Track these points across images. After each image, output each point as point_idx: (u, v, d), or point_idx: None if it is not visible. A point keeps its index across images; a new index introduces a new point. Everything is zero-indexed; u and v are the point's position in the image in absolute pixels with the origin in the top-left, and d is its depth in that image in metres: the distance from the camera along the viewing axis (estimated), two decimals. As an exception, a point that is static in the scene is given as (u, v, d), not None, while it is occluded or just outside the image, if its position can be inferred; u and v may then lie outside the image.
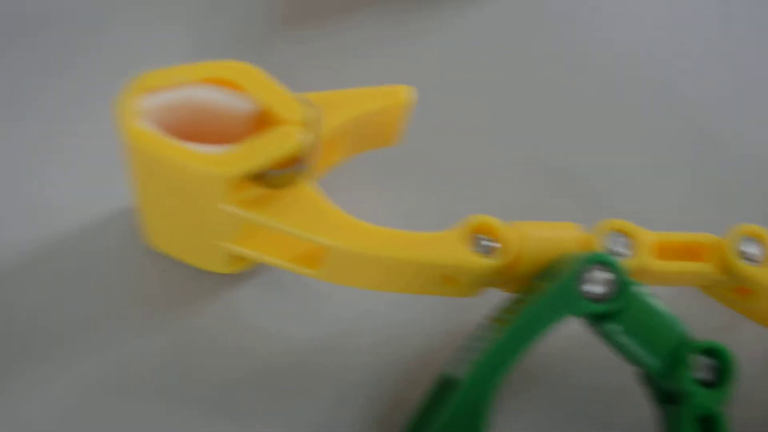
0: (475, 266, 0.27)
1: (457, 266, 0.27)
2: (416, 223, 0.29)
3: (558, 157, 0.34)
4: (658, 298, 0.27)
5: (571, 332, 0.29)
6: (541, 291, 0.26)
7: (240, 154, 0.26)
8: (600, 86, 0.37)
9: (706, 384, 0.26)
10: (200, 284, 0.31)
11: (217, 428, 0.29)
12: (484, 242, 0.28)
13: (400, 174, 0.33)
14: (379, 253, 0.27)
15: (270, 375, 0.30)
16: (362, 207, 0.31)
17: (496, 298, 0.29)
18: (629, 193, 0.34)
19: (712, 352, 0.26)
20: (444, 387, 0.27)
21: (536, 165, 0.34)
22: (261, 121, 0.26)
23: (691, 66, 0.38)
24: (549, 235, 0.28)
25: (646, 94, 0.37)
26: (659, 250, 0.28)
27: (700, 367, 0.26)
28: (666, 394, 0.27)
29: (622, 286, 0.26)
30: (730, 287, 0.29)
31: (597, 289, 0.26)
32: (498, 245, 0.28)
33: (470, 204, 0.30)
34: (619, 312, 0.26)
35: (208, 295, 0.31)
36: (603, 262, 0.26)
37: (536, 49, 0.37)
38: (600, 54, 0.37)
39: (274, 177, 0.26)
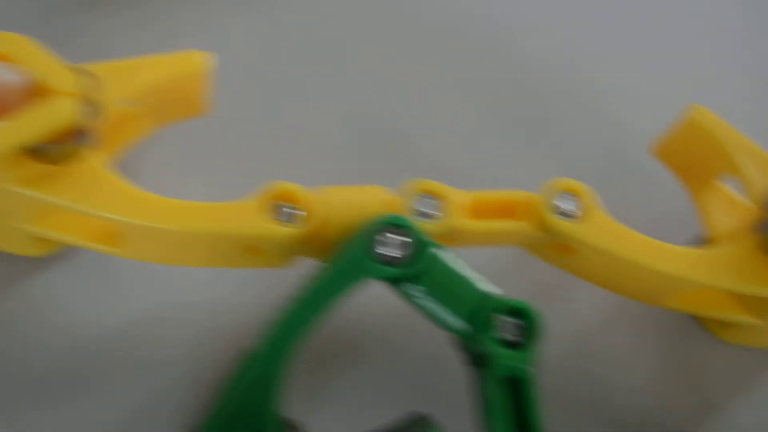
0: (276, 235, 0.26)
1: (256, 236, 0.26)
2: (231, 195, 0.28)
3: (377, 118, 0.33)
4: (460, 258, 0.26)
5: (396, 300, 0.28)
6: (335, 257, 0.25)
7: (5, 129, 0.24)
8: (416, 43, 0.36)
9: (513, 345, 0.25)
10: (6, 268, 0.29)
11: (24, 417, 0.28)
12: (286, 210, 0.26)
13: (212, 144, 0.32)
14: (171, 226, 0.26)
15: (82, 358, 0.29)
16: (174, 180, 0.30)
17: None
18: (452, 152, 0.33)
19: (517, 312, 0.25)
20: (242, 361, 0.26)
21: (355, 127, 0.33)
22: (35, 94, 0.25)
23: (511, 19, 0.37)
24: (355, 199, 0.27)
25: (466, 51, 0.36)
26: (473, 210, 0.28)
27: (505, 328, 0.25)
28: (476, 357, 0.26)
29: (419, 248, 0.25)
30: (551, 245, 0.29)
31: (392, 251, 0.25)
32: (301, 212, 0.26)
33: (288, 171, 0.29)
34: (419, 274, 0.25)
35: (15, 279, 0.29)
36: (397, 224, 0.25)
37: (346, 7, 0.36)
38: (415, 9, 0.36)
39: (52, 151, 0.25)
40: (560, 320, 0.32)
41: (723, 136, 0.29)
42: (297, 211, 0.26)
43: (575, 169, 0.33)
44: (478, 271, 0.31)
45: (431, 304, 0.26)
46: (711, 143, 0.29)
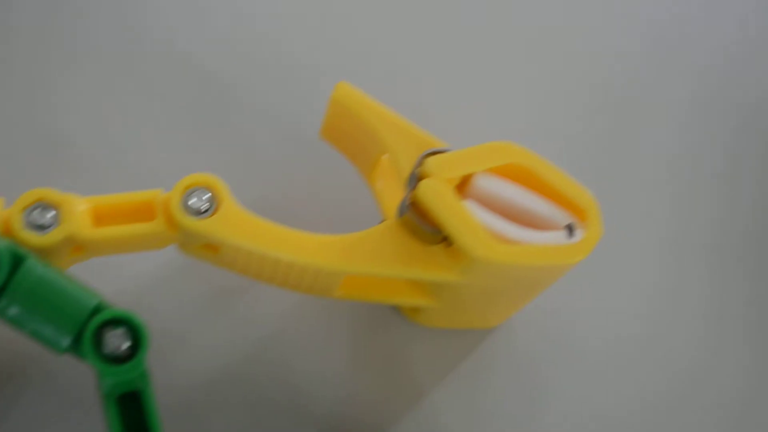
0: None
1: None
2: None
3: (54, 124, 0.32)
4: (57, 269, 0.24)
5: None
6: None
7: None
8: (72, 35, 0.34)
9: (121, 359, 0.24)
10: None
11: None
12: None
13: None
14: None
15: None
16: None
17: None
18: (117, 152, 0.32)
19: (121, 322, 0.24)
20: None
21: (27, 134, 0.32)
22: None
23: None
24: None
25: (133, 44, 0.34)
26: (97, 216, 0.26)
27: (110, 342, 0.24)
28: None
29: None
30: (195, 244, 0.27)
31: (-33, 271, 0.23)
32: None
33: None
34: (5, 291, 0.23)
35: None
36: (-30, 240, 0.23)
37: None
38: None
39: None
40: (244, 324, 0.30)
41: (365, 112, 0.27)
42: None
43: (258, 161, 0.31)
44: (147, 277, 0.30)
45: (26, 321, 0.24)
46: (358, 121, 0.28)
